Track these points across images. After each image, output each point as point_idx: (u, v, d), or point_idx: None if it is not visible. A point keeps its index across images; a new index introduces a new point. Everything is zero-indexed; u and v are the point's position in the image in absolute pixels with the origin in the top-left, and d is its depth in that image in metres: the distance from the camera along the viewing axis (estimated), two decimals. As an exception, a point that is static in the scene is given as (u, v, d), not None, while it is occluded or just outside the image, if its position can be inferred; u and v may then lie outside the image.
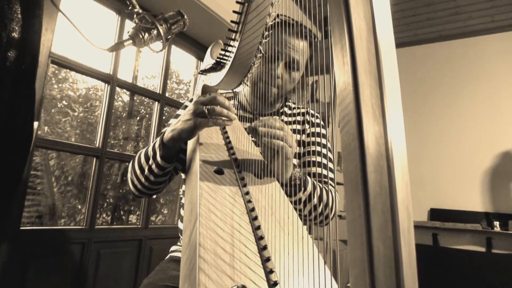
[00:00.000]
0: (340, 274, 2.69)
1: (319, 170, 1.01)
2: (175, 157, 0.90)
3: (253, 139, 1.01)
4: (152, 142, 0.93)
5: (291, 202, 0.82)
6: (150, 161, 0.88)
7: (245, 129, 1.03)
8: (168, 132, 0.84)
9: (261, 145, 0.78)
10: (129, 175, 0.95)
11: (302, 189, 0.84)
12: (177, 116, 1.11)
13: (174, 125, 0.83)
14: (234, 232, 0.57)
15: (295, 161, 1.00)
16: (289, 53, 0.99)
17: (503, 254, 2.54)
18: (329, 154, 1.05)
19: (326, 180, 0.99)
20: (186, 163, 0.87)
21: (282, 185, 0.78)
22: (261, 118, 0.79)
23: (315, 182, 0.89)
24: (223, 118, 0.78)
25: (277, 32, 0.97)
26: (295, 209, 0.84)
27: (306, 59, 1.05)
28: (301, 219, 0.68)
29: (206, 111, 0.77)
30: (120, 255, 2.22)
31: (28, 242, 1.76)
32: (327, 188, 0.92)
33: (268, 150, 0.78)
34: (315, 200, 0.86)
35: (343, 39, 0.28)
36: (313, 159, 1.03)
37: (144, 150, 0.93)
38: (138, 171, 0.91)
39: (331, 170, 1.03)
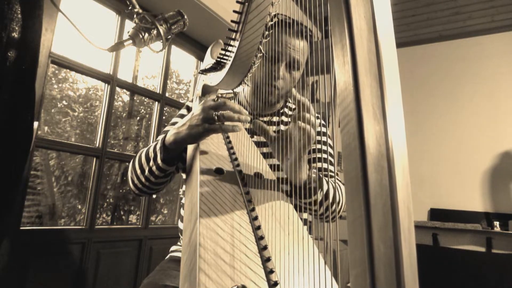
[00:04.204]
0: (341, 274, 2.69)
1: (322, 165, 1.00)
2: (176, 159, 0.88)
3: (253, 139, 1.01)
4: (154, 141, 0.91)
5: (306, 203, 0.81)
6: (151, 163, 0.86)
7: (246, 129, 1.03)
8: (170, 135, 0.81)
9: (285, 135, 0.73)
10: (129, 174, 0.94)
11: (319, 190, 0.81)
12: (180, 115, 1.10)
13: (179, 128, 0.80)
14: (234, 232, 0.57)
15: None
16: (290, 53, 0.98)
17: (503, 254, 2.54)
18: (330, 150, 1.05)
19: (331, 174, 0.98)
20: (186, 162, 0.86)
21: (297, 187, 0.76)
22: (266, 120, 0.75)
23: (328, 180, 0.88)
24: (233, 123, 0.75)
25: (276, 32, 0.97)
26: (310, 209, 0.83)
27: (306, 57, 1.05)
28: (305, 222, 0.67)
29: (216, 117, 0.75)
30: (120, 255, 2.22)
31: (28, 242, 1.76)
32: (336, 183, 0.91)
33: (282, 145, 0.73)
34: (329, 200, 0.84)
35: (344, 38, 0.28)
36: (314, 156, 1.03)
37: (145, 149, 0.91)
38: (138, 171, 0.90)
39: (332, 165, 1.03)
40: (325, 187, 0.83)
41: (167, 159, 0.85)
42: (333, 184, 0.89)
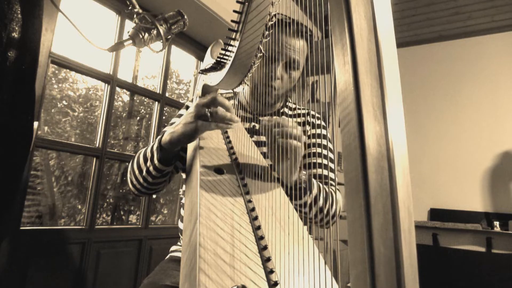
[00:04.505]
0: (341, 274, 2.69)
1: (320, 171, 1.00)
2: (173, 159, 0.89)
3: (252, 139, 1.01)
4: (152, 142, 0.92)
5: (296, 205, 0.82)
6: (148, 163, 0.87)
7: (246, 129, 1.03)
8: (166, 135, 0.82)
9: (271, 146, 0.75)
10: (128, 174, 0.95)
11: (308, 192, 0.82)
12: (179, 115, 1.10)
13: (174, 128, 0.81)
14: (234, 232, 0.57)
15: None
16: (288, 54, 0.98)
17: (503, 254, 2.54)
18: (330, 155, 1.05)
19: (328, 181, 0.98)
20: (186, 162, 0.86)
21: (287, 188, 0.77)
22: (266, 119, 0.77)
23: (320, 185, 0.88)
24: (226, 121, 0.76)
25: (275, 32, 0.96)
26: (300, 211, 0.83)
27: (306, 56, 1.04)
28: (305, 221, 0.67)
29: (209, 114, 0.75)
30: (120, 255, 2.22)
31: (28, 242, 1.75)
32: (330, 190, 0.91)
33: (276, 151, 0.74)
34: (320, 203, 0.85)
35: (344, 38, 0.28)
36: (314, 160, 1.02)
37: (143, 150, 0.92)
38: (136, 172, 0.91)
39: (332, 171, 1.03)
40: (315, 191, 0.83)
41: (164, 159, 0.85)
42: (327, 190, 0.88)
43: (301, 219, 0.66)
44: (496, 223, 3.12)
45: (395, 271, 0.25)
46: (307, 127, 1.08)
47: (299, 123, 1.09)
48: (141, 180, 0.90)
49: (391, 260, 0.25)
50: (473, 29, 3.93)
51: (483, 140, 3.74)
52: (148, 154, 0.88)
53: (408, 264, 0.25)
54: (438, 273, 1.88)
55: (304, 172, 0.82)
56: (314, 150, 1.04)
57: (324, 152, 1.04)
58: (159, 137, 0.88)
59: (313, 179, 0.86)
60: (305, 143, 1.05)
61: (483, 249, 2.81)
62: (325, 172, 1.00)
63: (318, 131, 1.07)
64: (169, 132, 0.82)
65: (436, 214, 3.80)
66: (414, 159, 3.92)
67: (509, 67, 3.75)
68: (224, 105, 0.77)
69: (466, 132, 3.85)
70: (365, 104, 0.27)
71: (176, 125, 0.81)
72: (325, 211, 0.86)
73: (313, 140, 1.05)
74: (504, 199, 3.58)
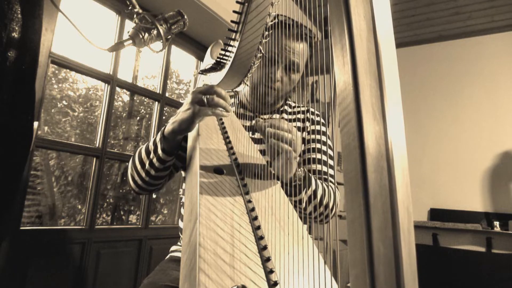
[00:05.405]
0: (340, 274, 2.69)
1: (319, 167, 1.01)
2: (175, 149, 0.91)
3: (252, 136, 1.02)
4: (152, 138, 0.93)
5: (292, 201, 0.82)
6: (151, 155, 0.89)
7: (245, 127, 1.03)
8: (169, 125, 0.85)
9: (267, 145, 0.77)
10: (129, 171, 0.96)
11: (304, 189, 0.83)
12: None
13: (174, 118, 0.84)
14: (234, 232, 0.57)
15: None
16: (288, 56, 0.98)
17: (503, 254, 2.54)
18: (330, 152, 1.05)
19: (326, 177, 0.98)
20: (186, 161, 0.87)
21: (284, 184, 0.78)
22: (266, 117, 0.78)
23: (317, 181, 0.89)
24: (221, 109, 0.79)
25: (276, 34, 0.97)
26: (297, 207, 0.84)
27: (306, 59, 1.04)
28: (301, 218, 0.67)
29: (205, 100, 0.78)
30: (120, 255, 2.22)
31: (28, 242, 1.76)
32: (328, 185, 0.91)
33: (270, 150, 0.76)
34: (317, 200, 0.85)
35: (343, 39, 0.28)
36: (313, 156, 1.03)
37: (144, 146, 0.94)
38: (138, 166, 0.92)
39: (332, 167, 1.03)
40: (311, 188, 0.84)
41: (167, 149, 0.87)
42: (325, 186, 0.89)
43: (301, 218, 0.66)
44: (496, 223, 3.12)
45: (395, 271, 0.25)
46: (307, 123, 1.09)
47: (299, 119, 1.09)
48: (143, 174, 0.91)
49: (391, 260, 0.25)
50: (473, 29, 3.93)
51: (483, 140, 3.74)
52: (151, 147, 0.90)
53: (408, 264, 0.25)
54: (438, 273, 1.88)
55: (301, 169, 0.82)
56: (314, 146, 1.04)
57: (323, 148, 1.04)
58: (161, 130, 0.90)
59: (311, 176, 0.87)
60: (304, 138, 1.06)
61: (483, 249, 2.81)
62: (324, 168, 1.01)
63: (318, 127, 1.08)
64: (171, 122, 0.85)
65: (436, 214, 3.80)
66: (414, 159, 3.92)
67: (509, 67, 3.75)
68: (220, 94, 0.79)
69: (466, 132, 3.85)
70: (365, 104, 0.27)
71: (176, 115, 0.84)
72: (320, 209, 0.86)
73: (312, 136, 1.06)
74: (504, 199, 3.58)
